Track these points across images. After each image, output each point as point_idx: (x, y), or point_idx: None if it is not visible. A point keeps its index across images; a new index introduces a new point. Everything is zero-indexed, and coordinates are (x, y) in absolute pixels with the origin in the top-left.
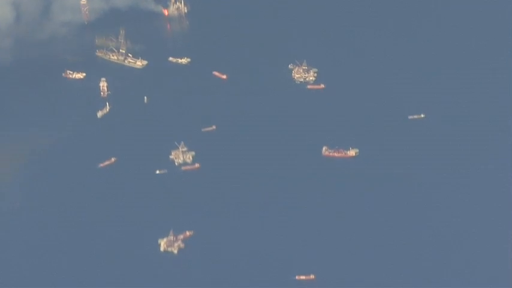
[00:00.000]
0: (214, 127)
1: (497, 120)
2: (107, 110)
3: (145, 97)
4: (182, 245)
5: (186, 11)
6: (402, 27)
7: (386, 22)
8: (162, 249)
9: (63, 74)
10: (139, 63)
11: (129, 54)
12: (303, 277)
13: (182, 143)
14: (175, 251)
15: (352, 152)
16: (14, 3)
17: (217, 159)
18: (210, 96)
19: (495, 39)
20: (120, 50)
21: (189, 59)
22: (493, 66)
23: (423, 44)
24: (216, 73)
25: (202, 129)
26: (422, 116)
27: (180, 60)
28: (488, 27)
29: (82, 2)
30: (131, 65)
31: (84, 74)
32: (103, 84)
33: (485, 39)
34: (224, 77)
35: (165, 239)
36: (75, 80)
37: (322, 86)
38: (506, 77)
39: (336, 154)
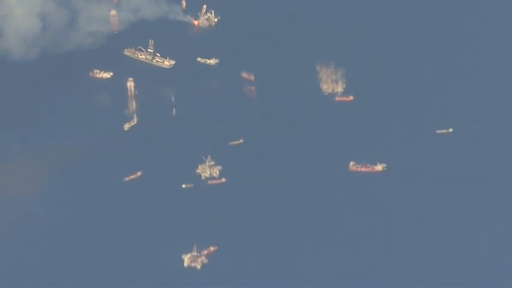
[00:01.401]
0: (241, 140)
1: None
2: (134, 122)
3: (173, 110)
4: (206, 261)
5: (216, 21)
6: (433, 39)
7: (418, 34)
8: (185, 264)
9: (90, 74)
10: (167, 63)
11: (157, 54)
12: None
13: (209, 157)
14: (199, 267)
15: (379, 167)
16: (40, 14)
17: (244, 174)
18: (237, 109)
19: None
20: (148, 49)
21: (217, 60)
22: None
23: (452, 58)
24: (244, 74)
25: (230, 143)
26: (450, 130)
27: (208, 61)
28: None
29: (112, 13)
30: (159, 64)
31: (111, 74)
32: (130, 84)
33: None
34: (252, 78)
35: (188, 255)
36: (102, 79)
37: (351, 98)
38: None
39: (363, 169)
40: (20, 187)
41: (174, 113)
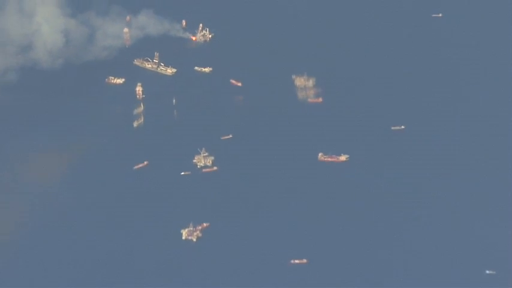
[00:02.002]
0: (231, 136)
1: (471, 131)
2: (142, 120)
3: (174, 111)
4: (200, 234)
5: (210, 37)
6: (388, 45)
7: (377, 50)
8: (183, 237)
9: (106, 80)
10: (170, 70)
11: (161, 63)
12: (297, 261)
13: (203, 149)
14: (194, 239)
15: (343, 157)
16: (64, 31)
17: (233, 163)
18: (227, 109)
19: (475, 59)
20: (154, 60)
21: (211, 69)
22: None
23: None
24: (232, 81)
25: (221, 138)
26: (402, 127)
27: (203, 69)
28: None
29: (125, 30)
30: (163, 72)
31: (123, 80)
32: (139, 89)
33: (474, 58)
34: (239, 84)
35: (186, 229)
36: (116, 84)
37: (320, 100)
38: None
39: (329, 159)
40: (46, 174)
41: (175, 113)
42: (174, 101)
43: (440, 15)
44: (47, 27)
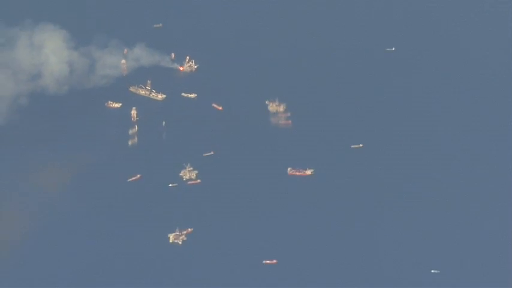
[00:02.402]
0: (212, 152)
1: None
2: (136, 140)
3: (164, 133)
4: (185, 238)
5: (196, 68)
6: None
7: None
8: (170, 241)
9: (106, 104)
10: (160, 96)
11: (153, 90)
12: (268, 261)
13: (189, 164)
14: (180, 243)
15: (309, 172)
16: (68, 62)
17: (214, 177)
18: (209, 129)
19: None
20: (147, 87)
21: (195, 95)
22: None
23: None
24: (214, 105)
25: (204, 154)
26: (361, 145)
27: (189, 95)
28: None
29: (122, 62)
30: (154, 97)
31: (120, 104)
32: (133, 112)
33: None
34: (220, 108)
35: (173, 234)
36: (114, 108)
37: (290, 122)
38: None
39: (297, 173)
40: (49, 185)
41: (164, 133)
42: (163, 122)
43: (393, 49)
44: (54, 58)
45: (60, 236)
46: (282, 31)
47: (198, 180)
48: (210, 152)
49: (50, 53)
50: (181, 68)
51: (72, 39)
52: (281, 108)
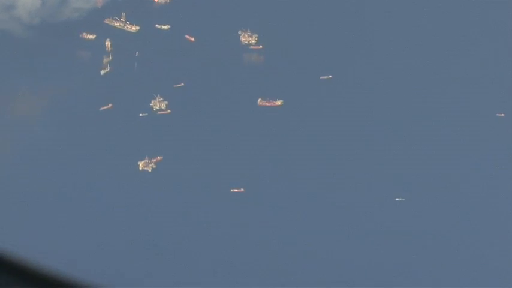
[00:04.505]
0: (182, 84)
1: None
2: (108, 69)
3: (135, 63)
4: (154, 166)
5: None
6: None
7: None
8: (140, 168)
9: (80, 35)
10: (134, 28)
11: (127, 22)
12: (236, 190)
13: (159, 95)
14: (150, 170)
15: (278, 102)
16: None
17: (184, 108)
18: (182, 60)
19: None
20: (121, 19)
21: (169, 26)
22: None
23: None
24: (187, 36)
25: (174, 86)
26: (330, 76)
27: (163, 27)
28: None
29: None
30: (128, 29)
31: (95, 35)
32: (107, 43)
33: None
34: (193, 39)
35: (142, 161)
36: (88, 39)
37: (261, 46)
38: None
39: (267, 103)
40: (21, 113)
41: (136, 64)
42: (136, 53)
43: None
44: None
45: (30, 164)
46: None
47: (168, 111)
48: (180, 83)
49: None
50: (155, 0)
51: None
52: (253, 40)
